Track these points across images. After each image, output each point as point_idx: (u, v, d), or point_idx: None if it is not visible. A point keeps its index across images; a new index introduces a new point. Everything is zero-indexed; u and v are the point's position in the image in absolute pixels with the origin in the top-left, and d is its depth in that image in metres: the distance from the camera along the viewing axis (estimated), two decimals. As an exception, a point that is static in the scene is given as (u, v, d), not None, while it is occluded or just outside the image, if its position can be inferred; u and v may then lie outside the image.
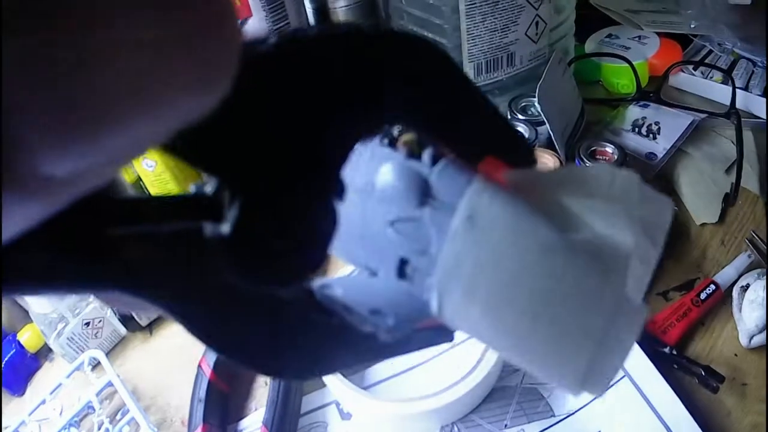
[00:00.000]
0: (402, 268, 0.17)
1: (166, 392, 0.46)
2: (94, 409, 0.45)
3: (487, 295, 0.15)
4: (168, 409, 0.46)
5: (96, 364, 0.48)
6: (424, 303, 0.16)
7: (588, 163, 0.50)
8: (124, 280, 0.11)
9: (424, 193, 0.16)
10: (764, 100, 0.59)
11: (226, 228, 0.11)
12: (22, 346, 0.51)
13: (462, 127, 0.16)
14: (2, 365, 0.49)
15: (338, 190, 0.13)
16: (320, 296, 0.15)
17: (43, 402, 0.47)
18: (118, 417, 0.45)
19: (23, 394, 0.51)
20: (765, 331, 0.42)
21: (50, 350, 0.51)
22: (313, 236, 0.13)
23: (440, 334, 0.17)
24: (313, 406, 0.42)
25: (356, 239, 0.18)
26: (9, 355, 0.50)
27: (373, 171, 0.17)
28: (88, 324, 0.49)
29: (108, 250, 0.10)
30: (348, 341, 0.15)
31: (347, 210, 0.17)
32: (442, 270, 0.15)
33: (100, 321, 0.49)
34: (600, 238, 0.15)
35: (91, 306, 0.49)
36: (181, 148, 0.11)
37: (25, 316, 0.51)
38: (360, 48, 0.13)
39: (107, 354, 0.49)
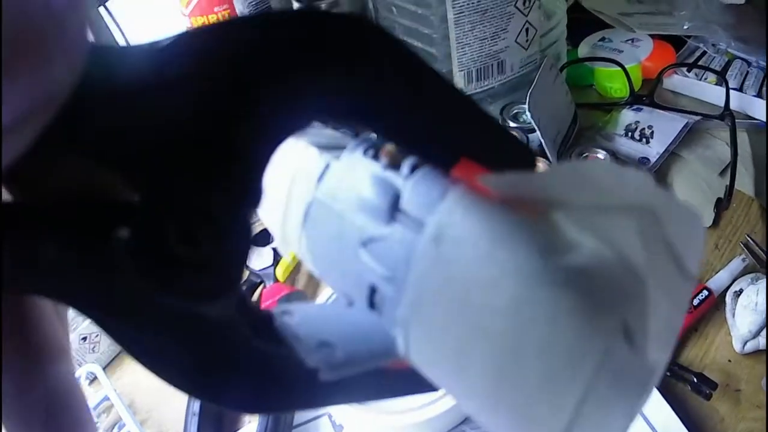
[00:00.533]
0: (372, 297, 0.15)
1: (163, 406, 0.47)
2: (92, 423, 0.46)
3: (453, 336, 0.12)
4: (164, 422, 0.46)
5: (93, 379, 0.49)
6: (393, 340, 0.14)
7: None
8: (42, 286, 0.11)
9: (393, 208, 0.14)
10: (759, 100, 0.59)
11: (125, 231, 0.11)
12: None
13: (420, 120, 0.14)
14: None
15: (251, 197, 0.12)
16: (278, 323, 0.14)
17: (43, 416, 0.48)
18: (115, 431, 0.45)
19: (24, 407, 0.52)
20: (758, 337, 0.42)
21: (49, 364, 0.52)
22: (218, 248, 0.11)
23: (420, 381, 0.14)
24: (305, 418, 0.42)
25: (335, 262, 0.16)
26: (9, 369, 0.51)
27: (352, 183, 0.16)
28: (85, 339, 0.49)
29: (22, 253, 0.10)
30: (296, 377, 0.14)
31: (326, 228, 0.16)
32: (406, 300, 0.13)
33: (96, 336, 0.50)
34: (597, 261, 0.12)
35: (87, 321, 0.49)
36: (82, 143, 0.10)
37: None
38: (282, 31, 0.11)
39: (104, 368, 0.49)
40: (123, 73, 0.11)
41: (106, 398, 0.46)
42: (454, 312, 0.12)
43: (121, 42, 0.53)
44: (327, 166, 0.16)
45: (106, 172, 0.11)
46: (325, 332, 0.15)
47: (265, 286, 0.51)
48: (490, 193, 0.13)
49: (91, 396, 0.47)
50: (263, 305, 0.48)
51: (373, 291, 0.15)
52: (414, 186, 0.14)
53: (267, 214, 0.19)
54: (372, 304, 0.15)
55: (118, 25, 0.51)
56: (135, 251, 0.11)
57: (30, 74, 0.09)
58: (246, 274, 0.52)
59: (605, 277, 0.12)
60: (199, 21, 0.49)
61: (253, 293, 0.51)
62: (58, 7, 0.09)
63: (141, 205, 0.11)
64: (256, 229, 0.54)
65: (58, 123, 0.10)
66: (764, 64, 0.62)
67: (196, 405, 0.43)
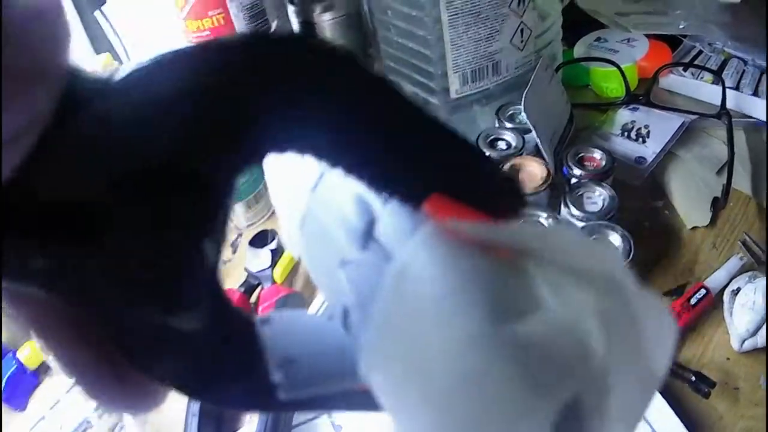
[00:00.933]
0: (345, 318, 0.15)
1: (163, 407, 0.47)
2: (91, 424, 0.46)
3: (402, 373, 0.12)
4: (164, 423, 0.46)
5: (93, 381, 0.49)
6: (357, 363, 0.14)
7: (575, 170, 0.50)
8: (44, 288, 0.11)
9: (368, 234, 0.14)
10: (756, 99, 0.59)
11: (92, 247, 0.11)
12: (22, 363, 0.52)
13: (394, 152, 0.12)
14: (2, 382, 0.50)
15: (212, 232, 0.12)
16: (258, 330, 0.14)
17: (43, 418, 0.48)
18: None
19: (25, 409, 0.52)
20: (756, 335, 0.42)
21: (50, 367, 0.52)
22: (177, 274, 0.12)
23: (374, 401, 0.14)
24: (304, 418, 0.42)
25: (322, 274, 0.16)
26: (10, 372, 0.51)
27: (339, 198, 0.15)
28: (84, 341, 0.50)
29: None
30: (263, 387, 0.14)
31: (316, 239, 0.16)
32: (370, 329, 0.13)
33: (96, 337, 0.50)
34: (549, 335, 0.11)
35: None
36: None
37: (25, 333, 0.52)
38: (263, 58, 0.11)
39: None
40: (101, 94, 0.11)
41: (106, 400, 0.46)
42: (407, 350, 0.12)
43: (117, 45, 0.54)
44: (321, 176, 0.17)
45: (84, 188, 0.11)
46: (296, 347, 0.15)
47: (263, 288, 0.51)
48: (461, 235, 0.13)
49: (91, 398, 0.47)
50: (261, 307, 0.48)
51: (346, 313, 0.15)
52: (390, 214, 0.14)
53: (279, 211, 0.19)
54: (345, 324, 0.15)
55: (113, 29, 0.52)
56: (102, 271, 0.11)
57: (25, 94, 0.10)
58: (244, 275, 0.52)
59: (553, 356, 0.11)
60: (194, 25, 0.50)
61: (251, 295, 0.52)
62: (42, 35, 0.10)
63: (109, 224, 0.11)
64: (250, 234, 0.54)
65: (43, 138, 0.10)
66: (760, 62, 0.62)
67: (196, 406, 0.43)
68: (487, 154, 0.52)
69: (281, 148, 0.12)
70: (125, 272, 0.11)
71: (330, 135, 0.12)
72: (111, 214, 0.11)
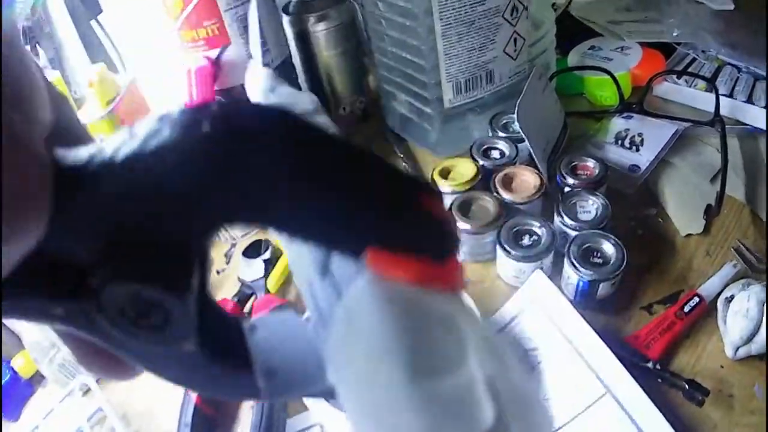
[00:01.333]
0: (316, 327, 0.16)
1: (155, 417, 0.47)
2: (85, 435, 0.46)
3: (346, 392, 0.14)
4: (157, 433, 0.46)
5: (87, 390, 0.49)
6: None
7: (569, 179, 0.50)
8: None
9: (325, 264, 0.15)
10: (749, 106, 0.59)
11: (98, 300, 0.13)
12: (16, 372, 0.52)
13: (312, 216, 0.13)
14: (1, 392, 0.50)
15: (185, 289, 0.13)
16: (247, 337, 0.16)
17: (37, 427, 0.48)
18: (108, 442, 0.45)
19: (18, 419, 0.52)
20: (750, 343, 0.42)
21: (43, 377, 0.52)
22: (168, 319, 0.13)
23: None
24: (296, 429, 0.42)
25: (299, 278, 0.17)
26: (4, 381, 0.51)
27: None
28: (78, 350, 0.50)
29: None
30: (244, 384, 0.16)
31: (293, 246, 0.17)
32: (328, 346, 0.15)
33: (90, 347, 0.50)
34: (458, 392, 0.13)
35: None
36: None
37: (18, 343, 0.52)
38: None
39: (97, 380, 0.49)
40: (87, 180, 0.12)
41: (100, 409, 0.46)
42: (352, 381, 0.14)
43: (113, 54, 0.54)
44: None
45: (77, 257, 0.12)
46: (277, 356, 0.16)
47: (256, 298, 0.51)
48: (396, 285, 0.14)
49: (85, 407, 0.47)
50: (255, 316, 0.48)
51: (316, 324, 0.16)
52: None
53: None
54: (316, 332, 0.16)
55: (109, 38, 0.52)
56: (106, 317, 0.13)
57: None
58: (238, 285, 0.52)
59: (454, 416, 0.13)
60: (189, 35, 0.50)
61: (244, 304, 0.52)
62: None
63: (108, 284, 0.13)
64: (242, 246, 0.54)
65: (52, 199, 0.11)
66: (754, 69, 0.62)
67: (188, 416, 0.43)
68: (481, 163, 0.52)
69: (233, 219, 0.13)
70: (121, 321, 0.13)
71: (278, 209, 0.13)
72: (102, 283, 0.12)
